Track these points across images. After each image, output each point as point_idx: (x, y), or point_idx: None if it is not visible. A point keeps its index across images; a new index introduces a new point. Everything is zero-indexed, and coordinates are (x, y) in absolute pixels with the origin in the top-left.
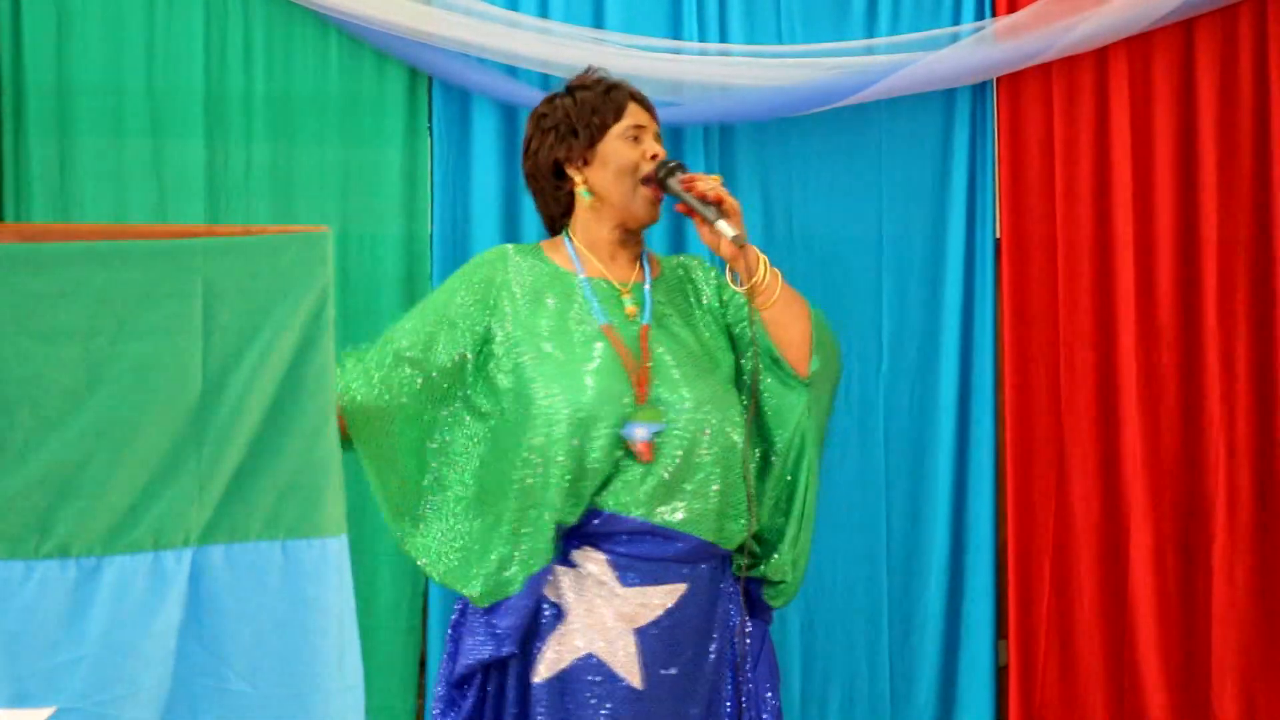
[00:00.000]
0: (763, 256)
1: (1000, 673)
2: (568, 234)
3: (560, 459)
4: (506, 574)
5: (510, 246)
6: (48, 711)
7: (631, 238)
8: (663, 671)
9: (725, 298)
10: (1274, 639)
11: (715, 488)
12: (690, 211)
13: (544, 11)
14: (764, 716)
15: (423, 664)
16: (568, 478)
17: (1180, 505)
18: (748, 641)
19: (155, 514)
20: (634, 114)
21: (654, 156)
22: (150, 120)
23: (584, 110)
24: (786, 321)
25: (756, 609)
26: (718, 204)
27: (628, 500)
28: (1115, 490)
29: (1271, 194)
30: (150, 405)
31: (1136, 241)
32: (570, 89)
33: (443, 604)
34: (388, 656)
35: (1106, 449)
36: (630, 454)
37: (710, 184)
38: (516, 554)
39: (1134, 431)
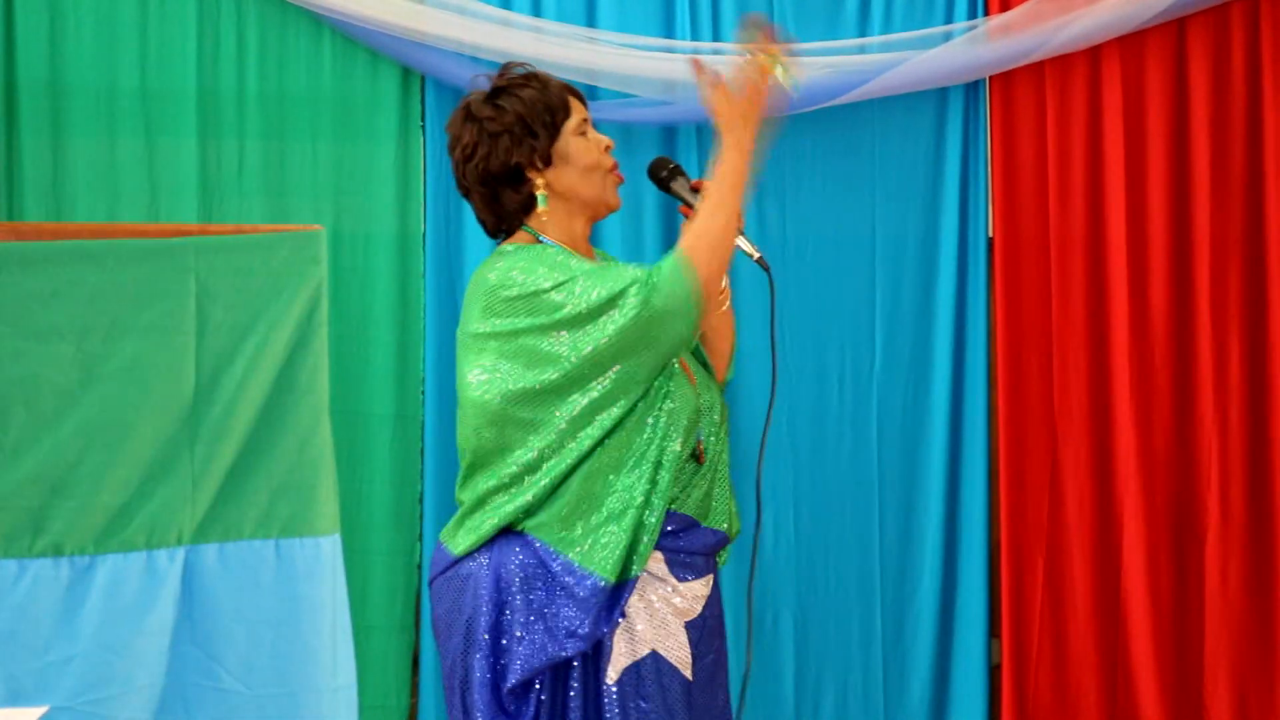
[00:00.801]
0: None
1: (993, 670)
2: (534, 232)
3: (674, 452)
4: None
5: (529, 244)
6: (41, 710)
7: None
8: (703, 661)
9: None
10: (1266, 635)
11: (728, 483)
12: (692, 215)
13: (537, 11)
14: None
15: (416, 662)
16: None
17: (1173, 502)
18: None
19: (148, 513)
20: (576, 108)
21: (607, 147)
22: (143, 119)
23: (536, 110)
24: (725, 332)
25: None
26: None
27: (683, 497)
28: (1108, 488)
29: (1264, 191)
30: (144, 404)
31: (1129, 240)
32: (507, 90)
33: None
34: (381, 655)
35: (1099, 447)
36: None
37: None
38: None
39: (1127, 429)
